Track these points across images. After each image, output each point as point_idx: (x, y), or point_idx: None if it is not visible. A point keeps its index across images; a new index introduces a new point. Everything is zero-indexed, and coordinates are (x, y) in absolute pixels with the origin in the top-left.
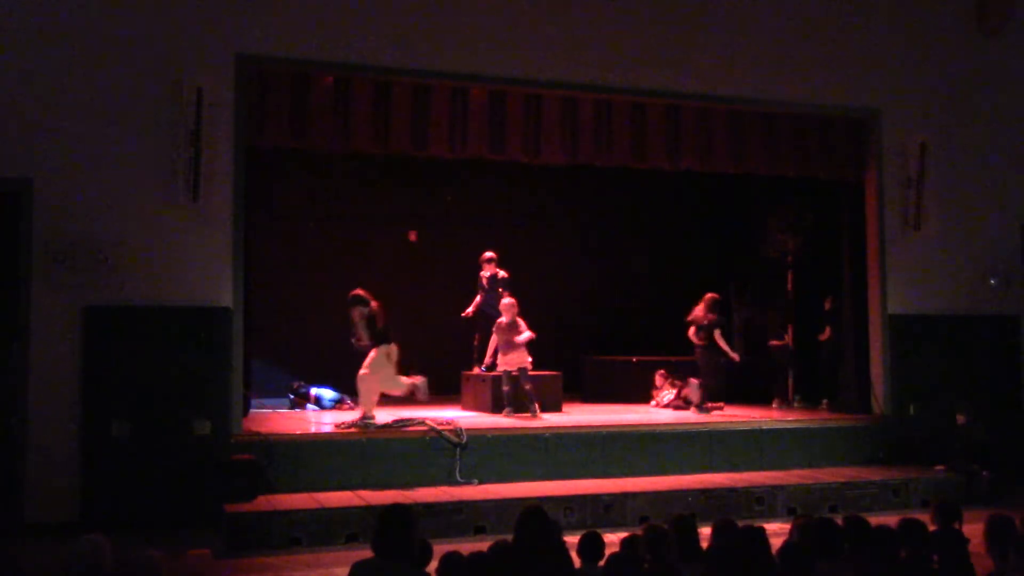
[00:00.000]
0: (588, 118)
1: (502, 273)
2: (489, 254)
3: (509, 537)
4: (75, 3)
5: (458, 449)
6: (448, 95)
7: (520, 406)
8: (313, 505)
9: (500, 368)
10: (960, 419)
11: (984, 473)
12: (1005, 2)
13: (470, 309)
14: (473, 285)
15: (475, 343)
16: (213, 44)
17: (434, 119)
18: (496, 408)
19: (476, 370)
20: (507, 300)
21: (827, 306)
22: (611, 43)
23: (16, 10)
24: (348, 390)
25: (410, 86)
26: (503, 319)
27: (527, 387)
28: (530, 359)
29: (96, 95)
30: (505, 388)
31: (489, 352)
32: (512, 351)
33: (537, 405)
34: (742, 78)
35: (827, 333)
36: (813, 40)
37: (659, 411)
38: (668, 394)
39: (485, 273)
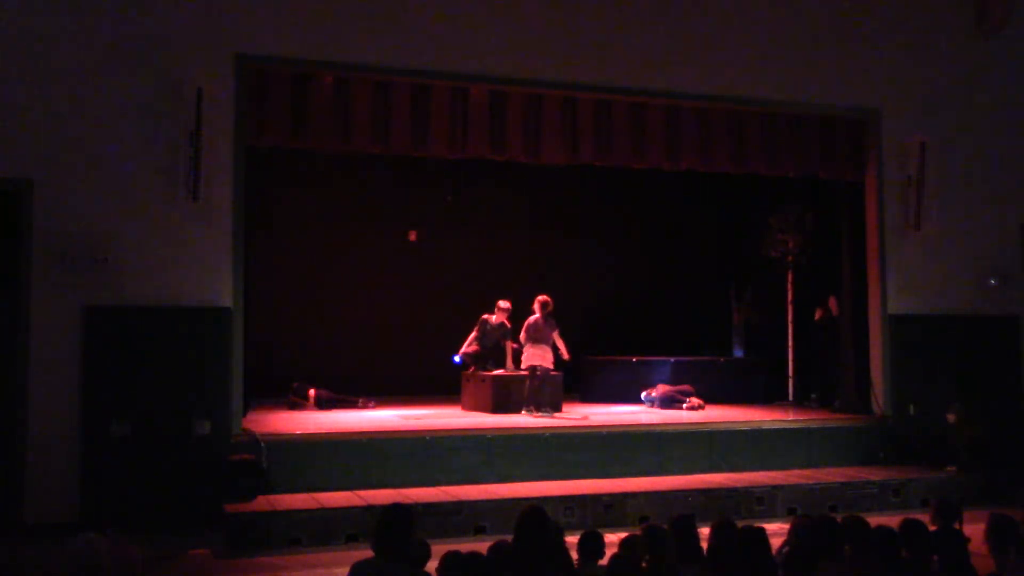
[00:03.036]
0: (588, 118)
1: (508, 324)
2: (506, 304)
3: (509, 537)
4: (75, 4)
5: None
6: (448, 95)
7: (540, 405)
8: (313, 505)
9: (531, 365)
10: (950, 418)
11: (995, 472)
12: (1005, 2)
13: (465, 354)
14: (467, 289)
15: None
16: (213, 44)
17: (434, 119)
18: (512, 408)
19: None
20: (543, 297)
21: (834, 310)
22: (611, 43)
23: (15, 11)
24: (347, 390)
25: (410, 86)
26: (535, 317)
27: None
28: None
29: (96, 95)
30: (534, 385)
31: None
32: (544, 347)
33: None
34: (742, 78)
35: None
36: (813, 40)
37: (659, 411)
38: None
39: (494, 318)
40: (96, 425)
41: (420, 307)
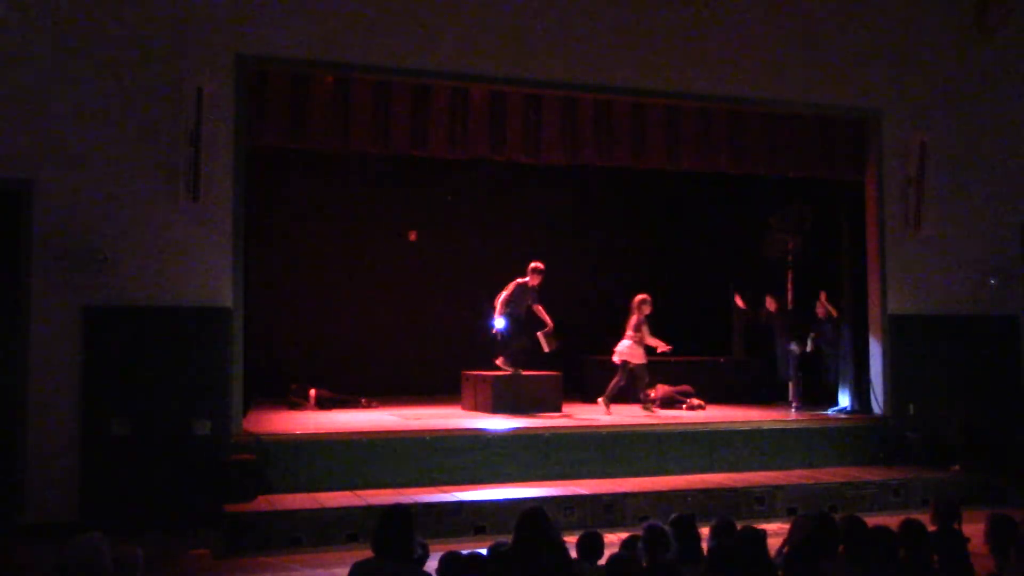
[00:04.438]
0: (588, 118)
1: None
2: (542, 265)
3: (509, 537)
4: (75, 4)
5: None
6: (448, 95)
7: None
8: (313, 505)
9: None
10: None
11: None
12: (1005, 2)
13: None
14: (467, 289)
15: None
16: (213, 44)
17: (434, 119)
18: (511, 409)
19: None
20: (641, 296)
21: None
22: (611, 43)
23: (15, 10)
24: (347, 390)
25: (410, 86)
26: (638, 316)
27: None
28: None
29: (96, 95)
30: (622, 383)
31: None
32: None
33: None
34: (742, 78)
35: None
36: (813, 40)
37: (659, 411)
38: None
39: (531, 282)
40: (96, 425)
41: (420, 307)
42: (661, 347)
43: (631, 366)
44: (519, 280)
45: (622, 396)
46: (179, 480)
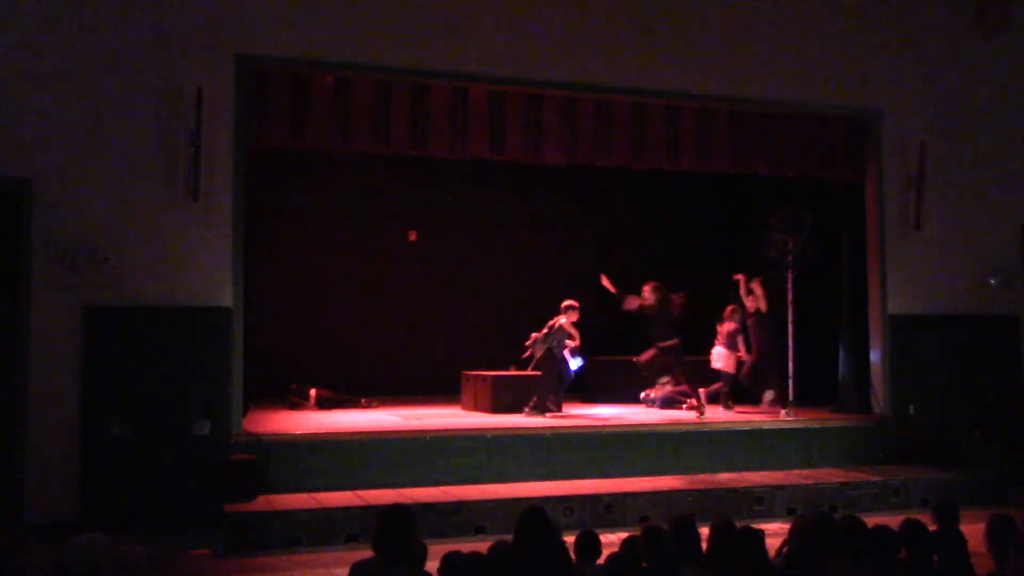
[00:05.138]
0: (588, 118)
1: None
2: (576, 303)
3: (509, 537)
4: (74, 3)
5: None
6: (448, 95)
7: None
8: (313, 505)
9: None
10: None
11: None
12: (1005, 2)
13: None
14: (467, 289)
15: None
16: (213, 44)
17: (434, 119)
18: (512, 408)
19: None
20: (732, 306)
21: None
22: (611, 43)
23: (15, 10)
24: (347, 390)
25: (410, 86)
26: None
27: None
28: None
29: (96, 95)
30: (726, 388)
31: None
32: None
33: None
34: (742, 78)
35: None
36: (813, 40)
37: (659, 411)
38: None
39: (571, 319)
40: (96, 425)
41: (420, 307)
42: (744, 356)
43: (723, 371)
44: (559, 322)
45: (623, 396)
46: (179, 480)
